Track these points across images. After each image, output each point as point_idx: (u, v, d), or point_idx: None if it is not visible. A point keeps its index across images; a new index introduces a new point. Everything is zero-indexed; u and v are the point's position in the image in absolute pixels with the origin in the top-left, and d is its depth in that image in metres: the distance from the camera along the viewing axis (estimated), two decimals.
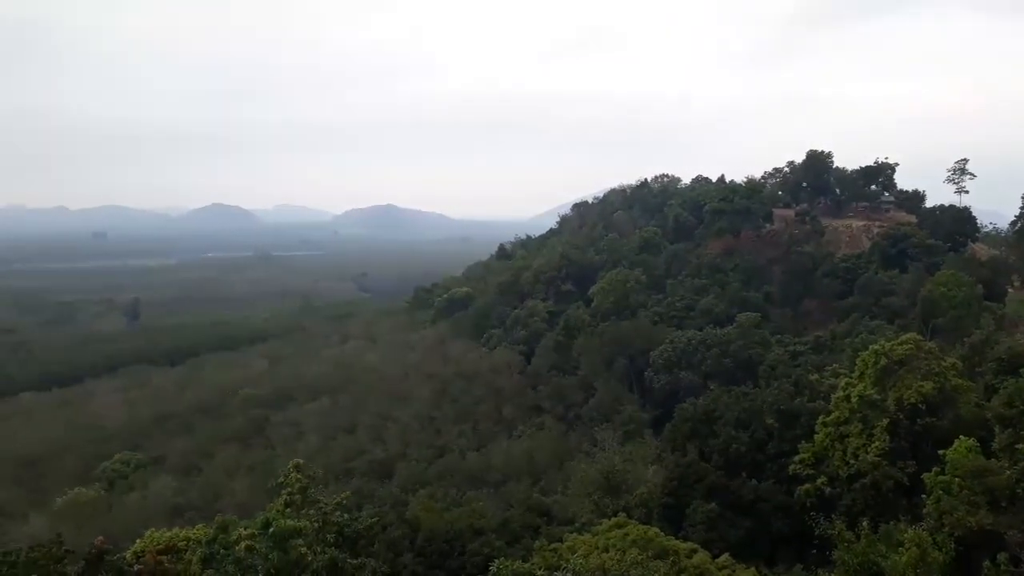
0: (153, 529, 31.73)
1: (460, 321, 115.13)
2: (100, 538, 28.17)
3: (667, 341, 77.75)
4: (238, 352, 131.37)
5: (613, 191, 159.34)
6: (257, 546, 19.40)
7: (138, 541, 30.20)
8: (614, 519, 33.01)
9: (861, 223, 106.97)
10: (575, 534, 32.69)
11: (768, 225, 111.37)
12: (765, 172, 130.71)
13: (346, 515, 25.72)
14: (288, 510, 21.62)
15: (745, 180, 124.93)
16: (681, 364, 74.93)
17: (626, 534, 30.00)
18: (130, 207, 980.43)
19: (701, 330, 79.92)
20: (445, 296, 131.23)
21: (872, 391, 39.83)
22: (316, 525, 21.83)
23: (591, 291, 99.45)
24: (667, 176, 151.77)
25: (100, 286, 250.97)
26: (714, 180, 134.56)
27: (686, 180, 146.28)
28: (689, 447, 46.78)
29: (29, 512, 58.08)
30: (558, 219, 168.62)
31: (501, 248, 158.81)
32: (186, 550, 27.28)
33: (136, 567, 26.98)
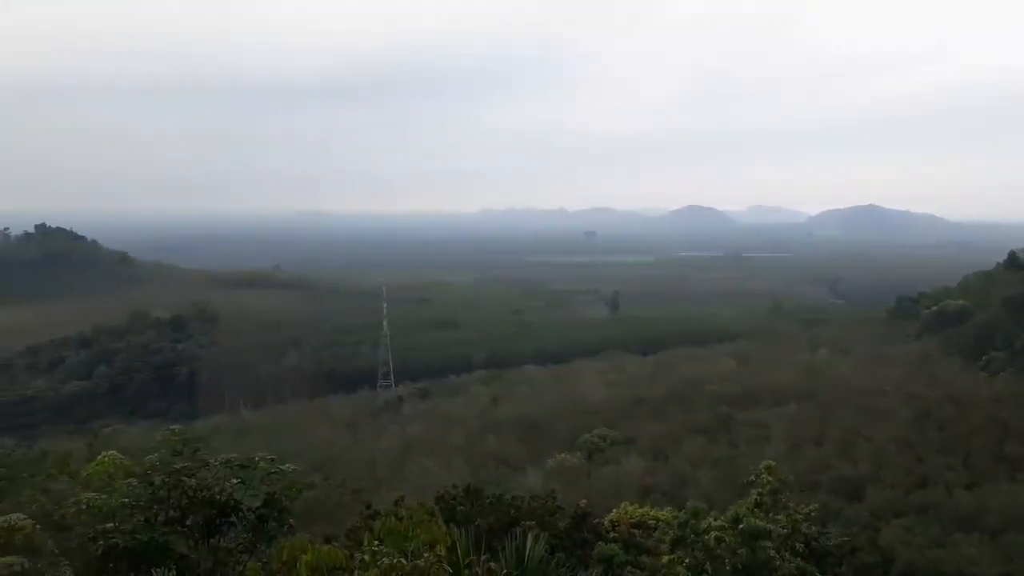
0: (627, 503, 34.70)
1: (952, 338, 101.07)
2: (584, 500, 31.80)
3: None
4: (704, 348, 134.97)
5: None
6: (726, 539, 19.81)
7: (613, 511, 33.31)
8: None
9: None
10: None
11: None
12: None
13: (814, 527, 24.69)
14: (757, 510, 21.57)
15: None
16: None
17: None
18: (616, 209, 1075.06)
19: None
20: (934, 308, 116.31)
21: None
22: (785, 531, 21.38)
23: None
24: None
25: (588, 278, 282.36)
26: None
27: None
28: None
29: (527, 467, 68.03)
30: None
31: (1012, 255, 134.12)
32: (654, 528, 29.16)
33: (611, 534, 29.85)
